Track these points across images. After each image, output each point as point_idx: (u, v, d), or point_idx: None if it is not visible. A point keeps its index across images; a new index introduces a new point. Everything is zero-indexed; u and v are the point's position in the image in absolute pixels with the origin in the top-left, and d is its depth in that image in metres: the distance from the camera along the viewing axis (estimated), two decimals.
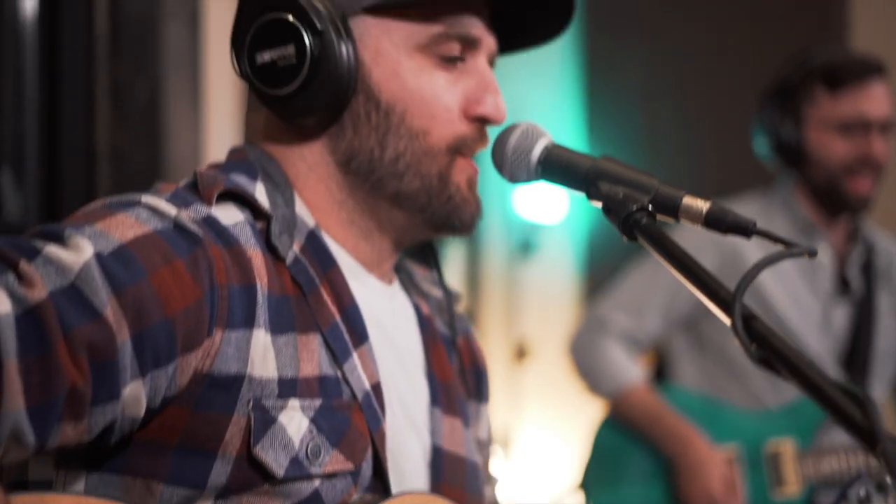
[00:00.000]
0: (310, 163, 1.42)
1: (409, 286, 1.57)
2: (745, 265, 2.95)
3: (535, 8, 1.49)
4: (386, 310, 1.47)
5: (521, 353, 4.76)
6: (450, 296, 1.61)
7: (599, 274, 4.72)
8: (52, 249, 1.17)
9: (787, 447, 2.93)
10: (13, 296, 1.12)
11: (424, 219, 1.43)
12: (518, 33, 1.53)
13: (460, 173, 1.43)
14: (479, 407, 1.64)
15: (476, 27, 1.42)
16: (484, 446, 1.64)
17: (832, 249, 3.10)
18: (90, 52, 2.59)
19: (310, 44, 1.35)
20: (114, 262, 1.18)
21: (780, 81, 3.10)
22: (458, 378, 1.56)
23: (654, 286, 3.09)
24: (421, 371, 1.50)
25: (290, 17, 1.35)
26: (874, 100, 3.00)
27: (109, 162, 2.66)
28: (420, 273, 1.61)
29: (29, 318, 1.11)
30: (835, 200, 3.03)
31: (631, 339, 3.09)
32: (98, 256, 1.17)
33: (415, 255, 1.62)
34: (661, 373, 3.25)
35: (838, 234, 3.12)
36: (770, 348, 1.10)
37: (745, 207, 2.97)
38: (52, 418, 1.12)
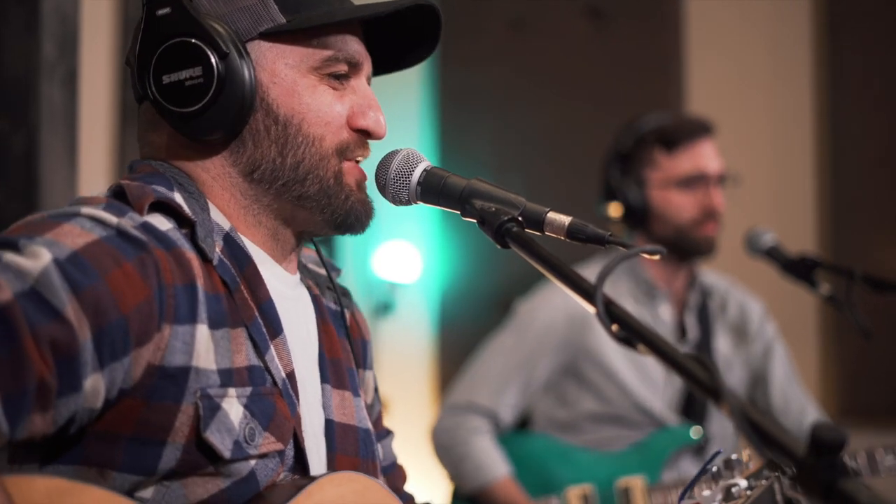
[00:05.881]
0: (213, 174, 1.53)
1: (302, 270, 1.67)
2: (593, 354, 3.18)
3: (403, 38, 1.65)
4: (291, 298, 1.58)
5: None
6: (333, 271, 1.72)
7: (452, 331, 4.87)
8: (10, 256, 1.26)
9: (636, 483, 3.07)
10: None
11: (325, 218, 1.55)
12: (388, 59, 1.68)
13: (350, 176, 1.56)
14: (365, 373, 1.75)
15: (359, 52, 1.57)
16: (372, 408, 1.75)
17: (671, 304, 3.30)
18: None
19: (216, 65, 1.46)
20: (70, 267, 1.27)
21: (618, 149, 3.30)
22: (346, 351, 1.67)
23: (509, 366, 3.21)
24: (314, 350, 1.60)
25: (197, 41, 1.46)
26: (708, 156, 3.25)
27: None
28: (304, 253, 1.72)
29: None
30: (685, 249, 3.24)
31: (495, 418, 3.18)
32: (56, 261, 1.27)
33: None
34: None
35: (678, 286, 3.32)
36: (628, 328, 1.26)
37: (590, 271, 3.09)
38: (24, 408, 1.20)
